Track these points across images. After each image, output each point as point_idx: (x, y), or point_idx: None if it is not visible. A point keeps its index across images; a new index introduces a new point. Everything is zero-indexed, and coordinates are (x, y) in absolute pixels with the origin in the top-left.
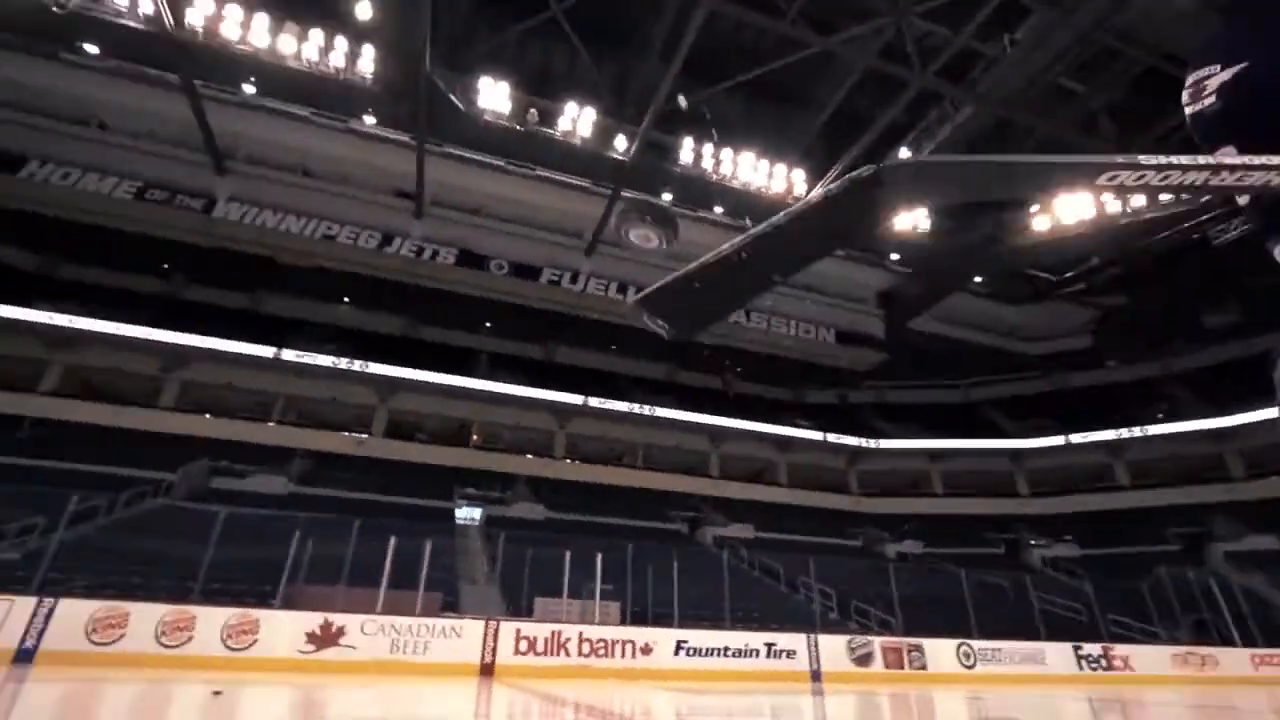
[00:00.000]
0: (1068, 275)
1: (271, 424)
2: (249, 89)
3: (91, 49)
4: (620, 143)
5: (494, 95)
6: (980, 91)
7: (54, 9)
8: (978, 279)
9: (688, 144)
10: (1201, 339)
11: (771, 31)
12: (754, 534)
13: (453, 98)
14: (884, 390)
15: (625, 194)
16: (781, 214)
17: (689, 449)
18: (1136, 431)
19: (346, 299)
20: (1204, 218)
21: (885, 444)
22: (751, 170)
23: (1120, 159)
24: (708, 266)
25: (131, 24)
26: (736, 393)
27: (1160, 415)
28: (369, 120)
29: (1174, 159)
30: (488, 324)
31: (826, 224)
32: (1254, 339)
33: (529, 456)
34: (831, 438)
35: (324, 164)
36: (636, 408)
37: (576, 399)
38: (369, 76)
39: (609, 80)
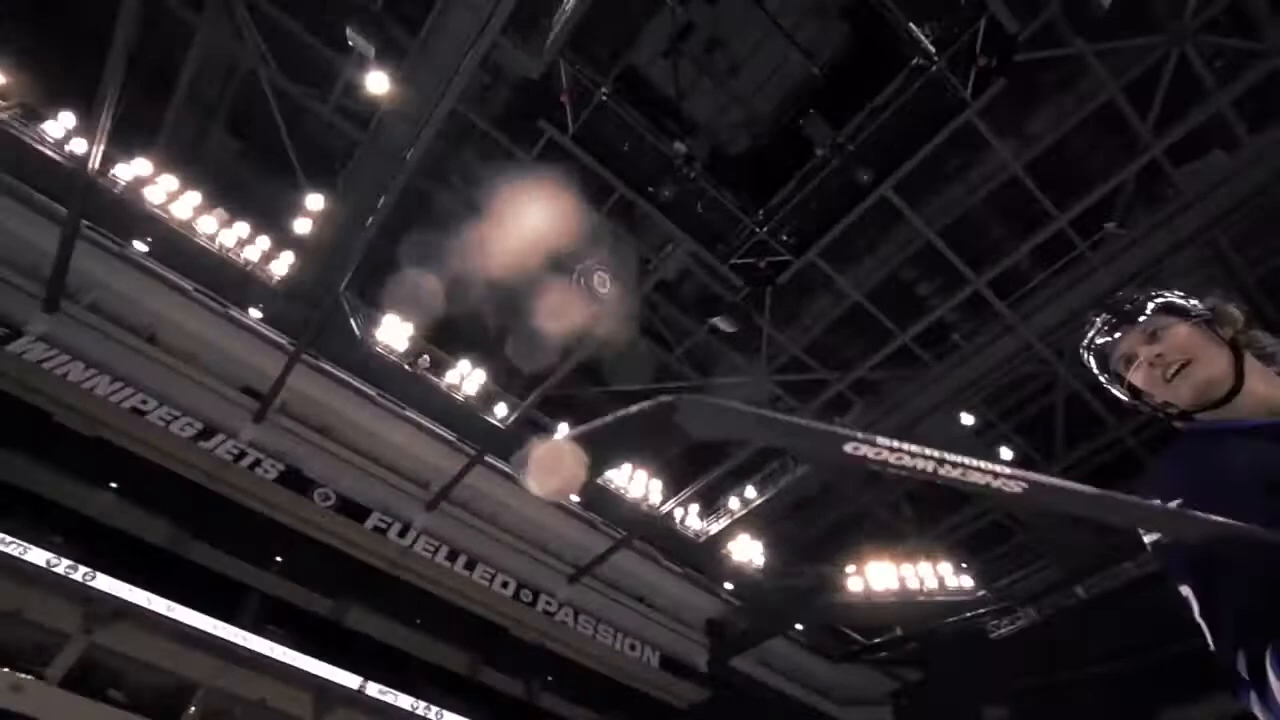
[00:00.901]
0: (875, 641)
1: None
2: (140, 246)
3: None
4: (501, 410)
5: (395, 332)
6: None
7: None
8: (799, 626)
9: (563, 429)
10: None
11: (657, 358)
12: None
13: (354, 322)
14: None
15: (488, 458)
16: (610, 417)
17: None
18: None
19: (114, 484)
20: (982, 610)
21: None
22: (616, 470)
23: (860, 435)
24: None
25: (52, 154)
26: (543, 709)
27: None
28: (254, 313)
29: (906, 445)
30: (279, 559)
31: (637, 432)
32: None
33: None
34: None
35: (177, 336)
36: (422, 707)
37: (353, 680)
38: (277, 277)
39: (506, 356)
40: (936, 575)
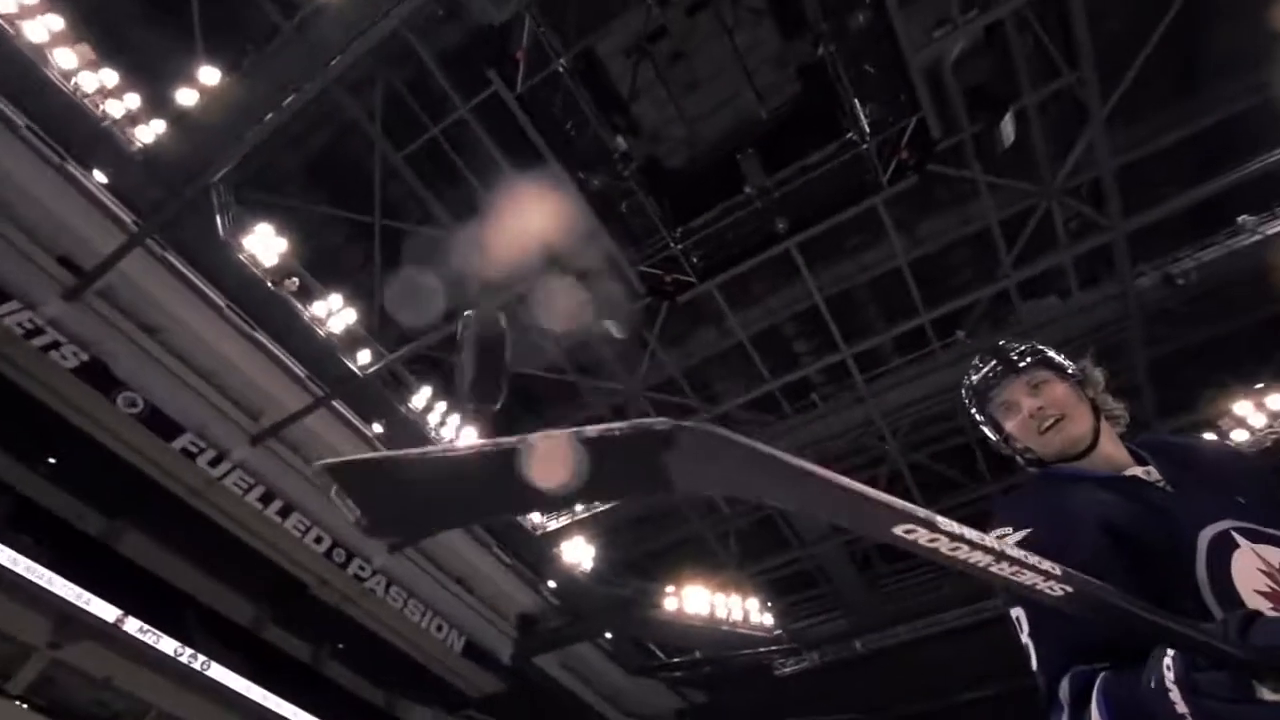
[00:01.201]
0: (674, 660)
1: None
2: None
3: None
4: (364, 357)
5: (265, 245)
6: None
7: None
8: (608, 634)
9: (425, 392)
10: None
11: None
12: None
13: (220, 219)
14: None
15: (336, 404)
16: (605, 426)
17: None
18: None
19: None
20: (774, 648)
21: None
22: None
23: (921, 515)
24: (436, 460)
25: None
26: (326, 676)
27: None
28: (98, 176)
29: (967, 532)
30: (52, 460)
31: (602, 466)
32: None
33: None
34: None
35: None
36: (187, 654)
37: (110, 612)
38: (139, 143)
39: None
40: (743, 609)
